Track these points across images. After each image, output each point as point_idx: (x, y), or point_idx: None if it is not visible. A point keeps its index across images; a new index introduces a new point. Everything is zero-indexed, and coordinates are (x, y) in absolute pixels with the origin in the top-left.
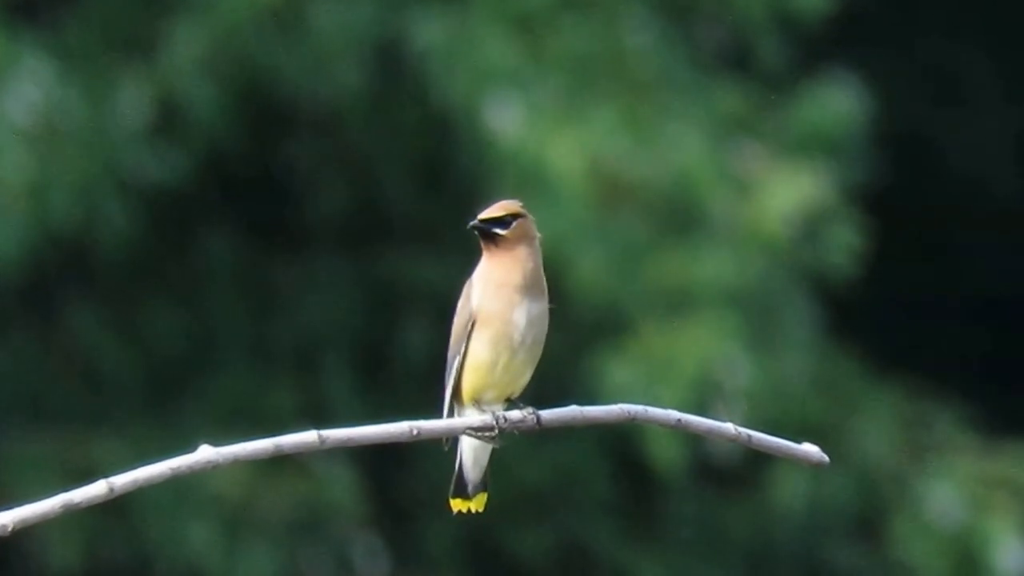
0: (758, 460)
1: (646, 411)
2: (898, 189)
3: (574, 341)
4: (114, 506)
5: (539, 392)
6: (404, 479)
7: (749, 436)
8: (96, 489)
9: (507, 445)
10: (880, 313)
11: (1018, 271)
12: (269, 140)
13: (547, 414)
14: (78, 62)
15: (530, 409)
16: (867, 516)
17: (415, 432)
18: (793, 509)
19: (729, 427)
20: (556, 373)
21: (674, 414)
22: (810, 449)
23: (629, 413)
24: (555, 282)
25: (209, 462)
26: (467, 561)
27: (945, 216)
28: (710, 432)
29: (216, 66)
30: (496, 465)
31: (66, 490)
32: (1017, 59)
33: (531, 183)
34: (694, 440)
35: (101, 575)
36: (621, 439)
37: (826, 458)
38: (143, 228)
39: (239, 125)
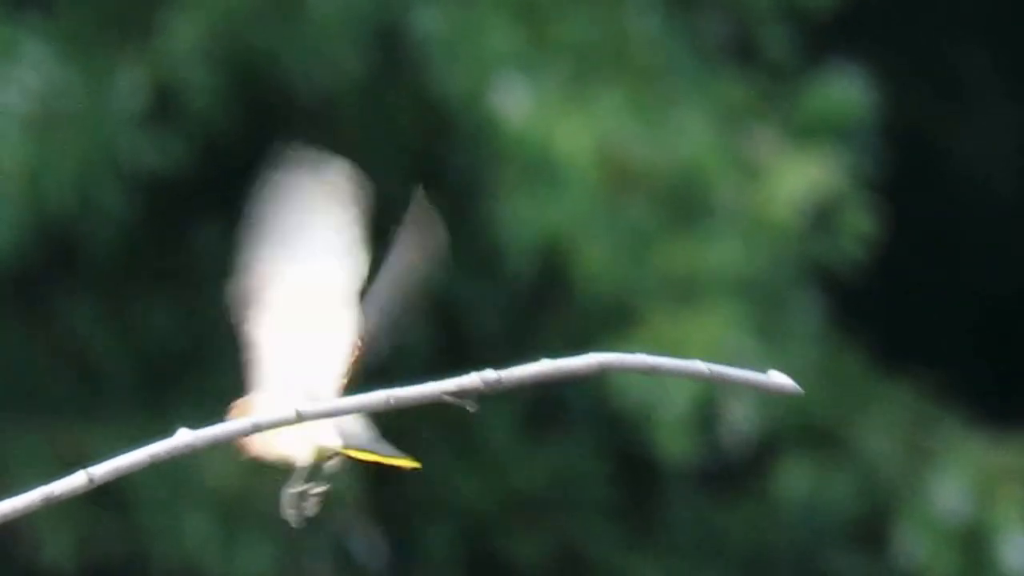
0: (760, 461)
1: (618, 359)
2: (905, 182)
3: (581, 329)
4: (107, 501)
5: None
6: (402, 477)
7: (720, 373)
8: (76, 480)
9: (502, 447)
10: (886, 305)
11: None
12: (266, 129)
13: (520, 371)
14: (73, 47)
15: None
16: (872, 510)
17: (391, 400)
18: (796, 508)
19: (700, 365)
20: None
21: (646, 359)
22: (780, 379)
23: (602, 363)
24: (562, 270)
25: (188, 445)
26: (464, 566)
27: (952, 210)
28: (681, 372)
29: (213, 52)
30: (491, 467)
31: (46, 483)
32: (1021, 52)
33: (537, 169)
34: (701, 434)
35: (94, 572)
36: (623, 435)
37: (798, 387)
38: (138, 217)
39: (236, 112)
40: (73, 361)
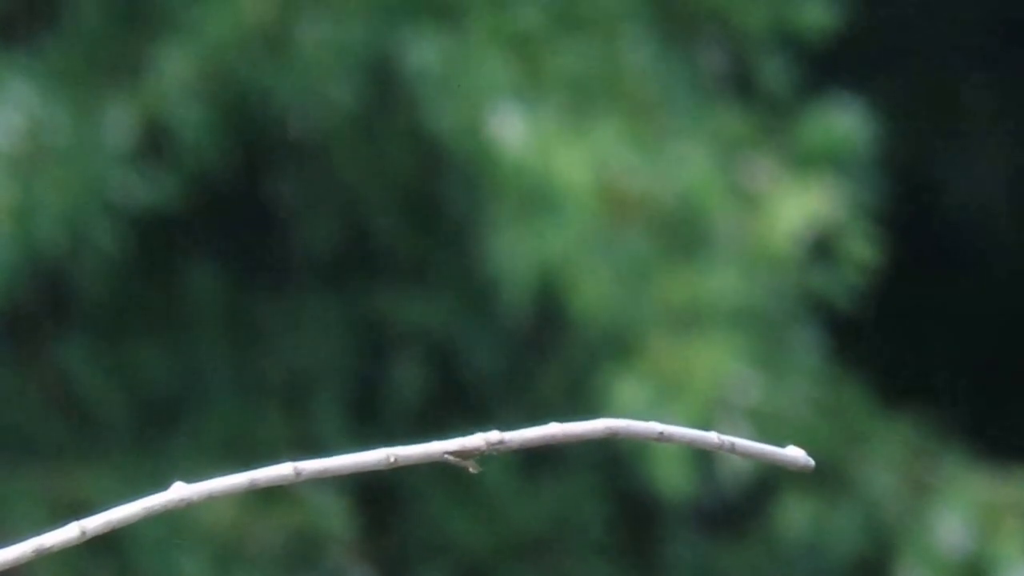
0: (760, 499)
1: (628, 425)
2: (904, 214)
3: (580, 362)
4: (100, 543)
5: (550, 413)
6: (398, 517)
7: (732, 444)
8: (68, 532)
9: (499, 487)
10: (886, 339)
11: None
12: (258, 165)
13: (525, 433)
14: (61, 83)
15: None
16: (874, 547)
17: (392, 459)
18: (798, 546)
19: (712, 436)
20: (564, 394)
21: (656, 426)
22: (795, 453)
23: (611, 428)
24: (560, 301)
25: (183, 500)
26: None
27: (952, 242)
28: (693, 442)
29: (203, 88)
30: (489, 507)
31: (37, 534)
32: (1019, 85)
33: (534, 201)
34: (700, 469)
35: None
36: (622, 475)
37: (812, 462)
38: (129, 257)
39: (228, 149)
40: (65, 402)
